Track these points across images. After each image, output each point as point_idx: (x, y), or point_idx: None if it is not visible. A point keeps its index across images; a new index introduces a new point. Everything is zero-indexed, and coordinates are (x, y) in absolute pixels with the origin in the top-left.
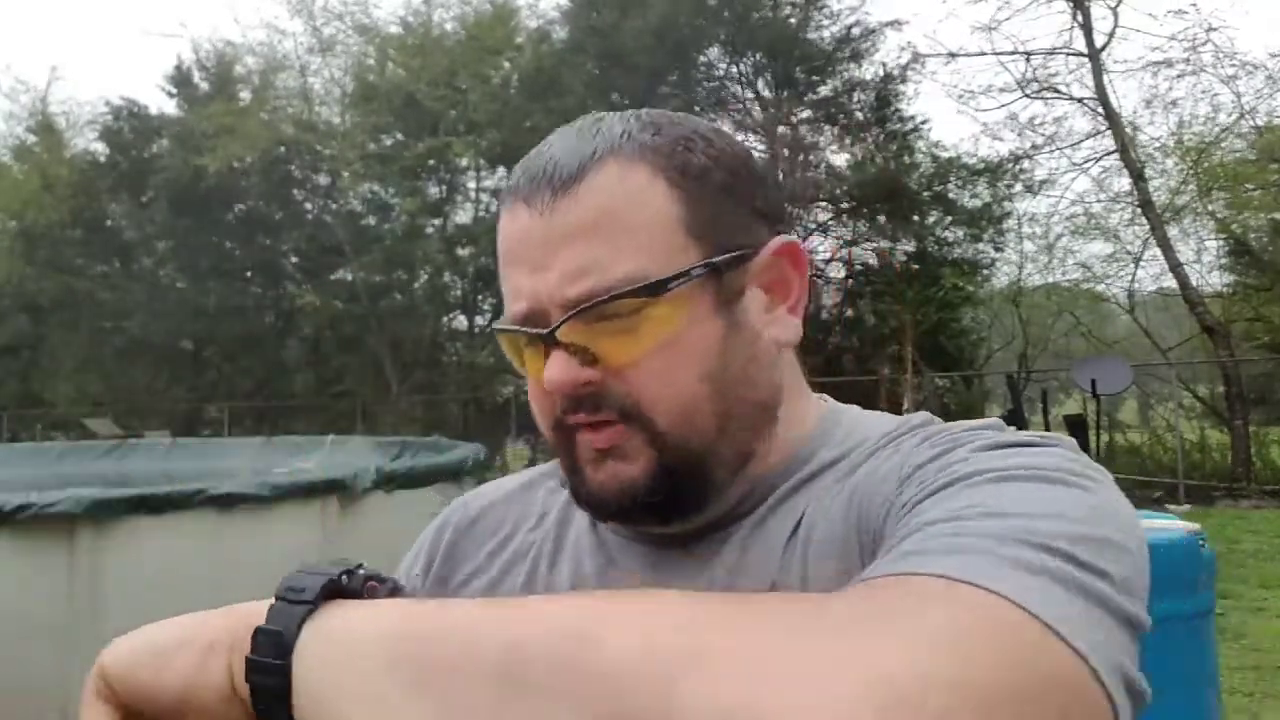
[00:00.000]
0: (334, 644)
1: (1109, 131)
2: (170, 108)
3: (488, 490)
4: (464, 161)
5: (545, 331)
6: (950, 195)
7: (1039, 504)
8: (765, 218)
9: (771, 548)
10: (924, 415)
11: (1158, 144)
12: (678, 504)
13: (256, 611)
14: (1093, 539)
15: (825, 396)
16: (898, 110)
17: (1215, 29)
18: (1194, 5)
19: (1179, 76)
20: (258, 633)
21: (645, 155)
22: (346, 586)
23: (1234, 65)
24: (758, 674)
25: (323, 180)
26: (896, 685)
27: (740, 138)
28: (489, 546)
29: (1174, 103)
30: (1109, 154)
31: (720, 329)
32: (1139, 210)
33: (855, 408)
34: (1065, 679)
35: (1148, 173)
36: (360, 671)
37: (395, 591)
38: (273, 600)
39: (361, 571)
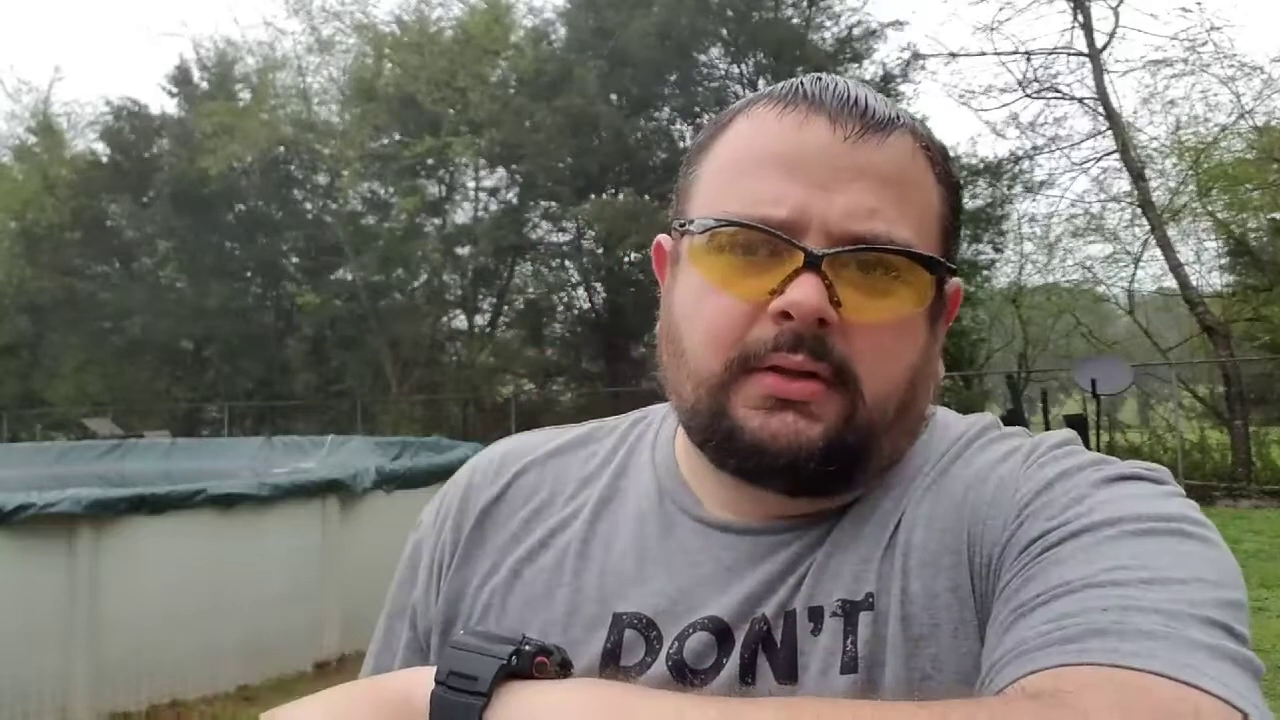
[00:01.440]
0: None
1: (1109, 131)
2: (171, 107)
3: (516, 449)
4: (463, 161)
5: (817, 251)
6: None
7: (1183, 566)
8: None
9: (865, 554)
10: (990, 418)
11: (1157, 144)
12: (830, 478)
13: (419, 694)
14: (1233, 604)
15: None
16: None
17: (1217, 28)
18: (1198, 4)
19: (1177, 75)
20: None
21: (929, 148)
22: (517, 668)
23: (1233, 66)
24: None
25: (322, 180)
26: None
27: None
28: (523, 513)
29: (1172, 102)
30: (1109, 154)
31: (926, 335)
32: (1139, 210)
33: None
34: None
35: (1147, 173)
36: None
37: (564, 665)
38: (434, 685)
39: (528, 647)
